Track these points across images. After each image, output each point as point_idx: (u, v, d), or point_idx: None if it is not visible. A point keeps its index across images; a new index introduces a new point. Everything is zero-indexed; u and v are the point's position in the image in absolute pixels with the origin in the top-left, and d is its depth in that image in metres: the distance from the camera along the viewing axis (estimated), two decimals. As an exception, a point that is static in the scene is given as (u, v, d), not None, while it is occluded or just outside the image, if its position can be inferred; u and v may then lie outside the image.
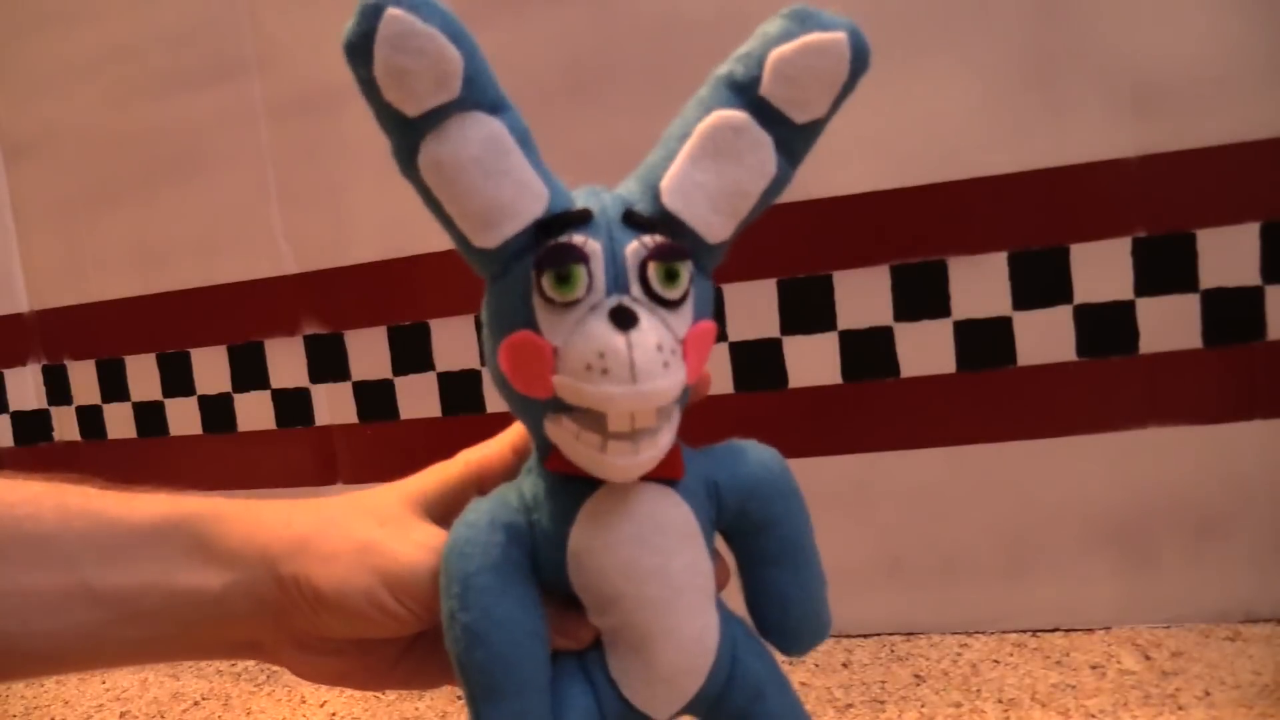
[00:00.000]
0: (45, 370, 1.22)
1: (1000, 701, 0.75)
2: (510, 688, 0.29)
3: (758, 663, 0.33)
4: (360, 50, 0.26)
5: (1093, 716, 0.72)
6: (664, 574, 0.31)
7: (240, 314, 1.09)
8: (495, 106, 0.28)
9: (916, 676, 0.81)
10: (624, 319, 0.27)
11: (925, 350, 0.86)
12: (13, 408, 1.23)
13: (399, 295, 1.02)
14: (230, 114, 1.06)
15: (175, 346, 1.14)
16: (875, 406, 0.88)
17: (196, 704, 0.94)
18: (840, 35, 0.28)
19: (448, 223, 0.28)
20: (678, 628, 0.31)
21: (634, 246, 0.28)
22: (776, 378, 0.90)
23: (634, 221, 0.29)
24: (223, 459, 1.13)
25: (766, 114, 0.29)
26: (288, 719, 0.88)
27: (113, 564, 0.32)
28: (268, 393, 1.10)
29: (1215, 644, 0.79)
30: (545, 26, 0.90)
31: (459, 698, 0.31)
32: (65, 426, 1.22)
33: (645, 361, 0.27)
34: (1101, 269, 0.81)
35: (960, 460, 0.86)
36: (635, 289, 0.28)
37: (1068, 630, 0.85)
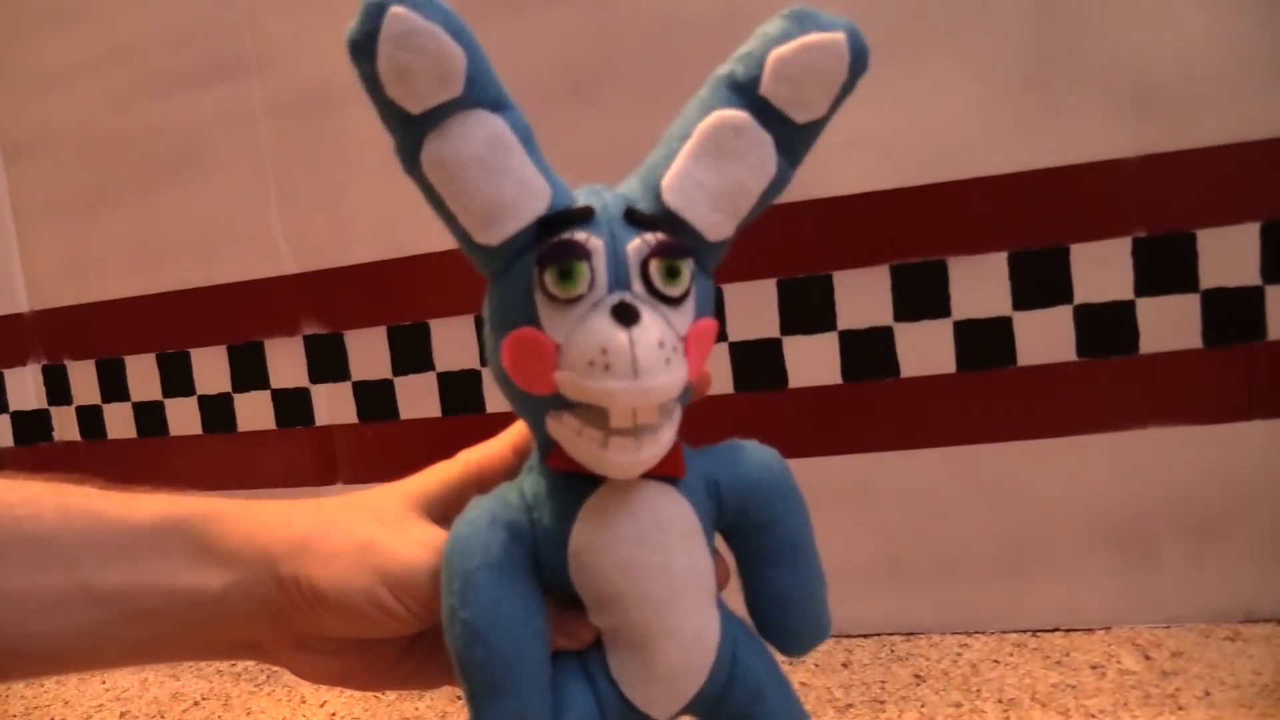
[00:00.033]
0: (45, 370, 1.22)
1: (1000, 701, 0.75)
2: (510, 686, 0.29)
3: (758, 663, 0.33)
4: (364, 48, 0.26)
5: (1093, 716, 0.72)
6: (665, 572, 0.31)
7: (240, 314, 1.09)
8: (497, 105, 0.28)
9: (916, 676, 0.81)
10: (626, 315, 0.27)
11: (925, 350, 0.86)
12: (13, 408, 1.23)
13: (399, 295, 1.02)
14: (230, 114, 1.06)
15: (175, 346, 1.14)
16: (875, 406, 0.88)
17: (196, 704, 0.94)
18: (839, 36, 0.28)
19: (450, 220, 0.29)
20: (678, 626, 0.31)
21: (636, 244, 0.28)
22: (776, 378, 0.90)
23: (636, 219, 0.29)
24: (223, 459, 1.13)
25: (767, 114, 0.29)
26: (288, 719, 0.88)
27: (113, 564, 0.32)
28: (268, 393, 1.10)
29: (1215, 644, 0.79)
30: (545, 26, 0.90)
31: (459, 698, 0.31)
32: (65, 426, 1.22)
33: (647, 357, 0.27)
34: (1101, 269, 0.81)
35: (960, 460, 0.86)
36: (637, 286, 0.28)
37: (1068, 630, 0.85)
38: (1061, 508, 0.85)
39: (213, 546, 0.33)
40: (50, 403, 1.22)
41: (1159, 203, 0.80)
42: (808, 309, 0.88)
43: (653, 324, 0.27)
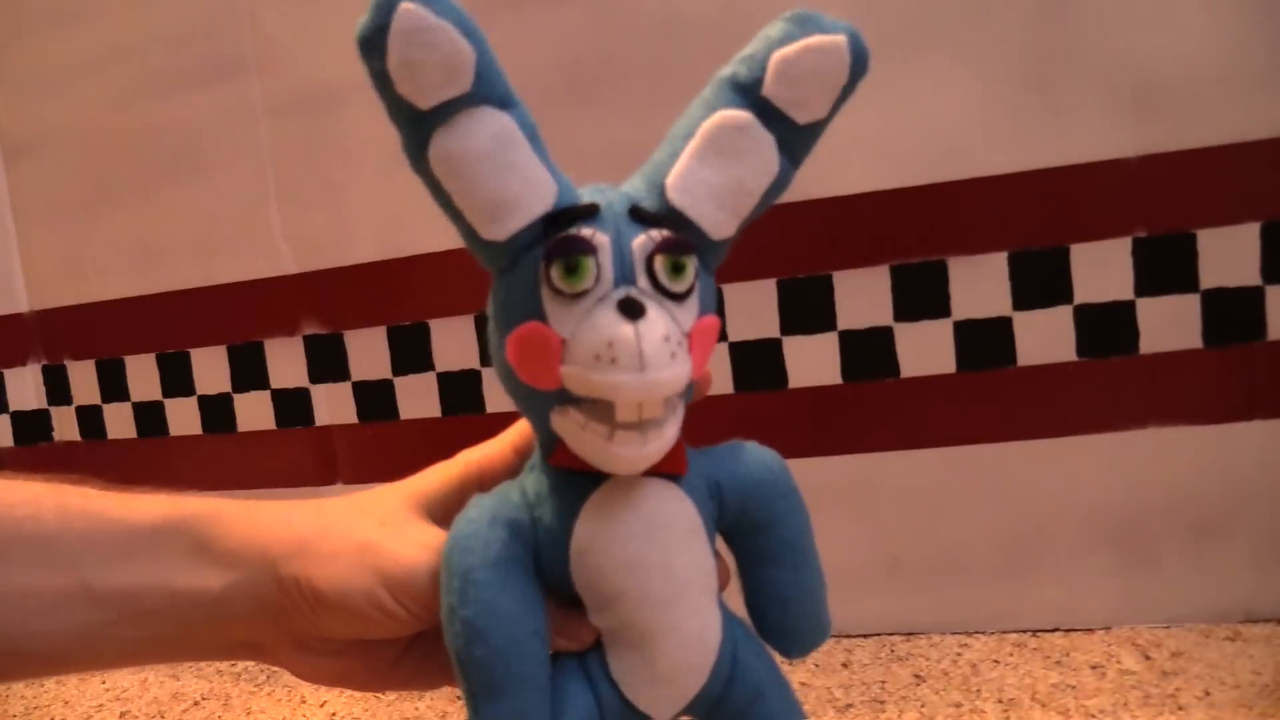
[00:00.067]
0: (45, 370, 1.22)
1: (1000, 701, 0.75)
2: (509, 685, 0.29)
3: (758, 663, 0.33)
4: (374, 43, 0.26)
5: (1093, 716, 0.71)
6: (668, 570, 0.31)
7: (240, 314, 1.09)
8: (504, 102, 0.28)
9: (916, 676, 0.81)
10: (632, 309, 0.27)
11: (925, 350, 0.86)
12: (13, 408, 1.23)
13: (398, 295, 1.02)
14: (229, 114, 1.06)
15: (175, 346, 1.14)
16: (875, 406, 0.88)
17: (196, 704, 0.94)
18: (840, 38, 0.29)
19: (456, 216, 0.29)
20: (680, 624, 0.31)
21: (641, 240, 0.28)
22: (776, 378, 0.90)
23: (640, 217, 0.29)
24: (223, 459, 1.13)
25: (769, 114, 0.29)
26: (288, 719, 0.88)
27: (113, 564, 0.32)
28: (267, 393, 1.10)
29: (1215, 644, 0.79)
30: (545, 26, 0.90)
31: (458, 698, 0.31)
32: (65, 426, 1.22)
33: (653, 351, 0.27)
34: (1101, 269, 0.81)
35: (960, 460, 0.86)
36: (642, 281, 0.28)
37: (1068, 630, 0.85)
38: (1061, 508, 0.85)
39: (213, 547, 0.33)
40: (50, 403, 1.22)
41: (1159, 203, 0.80)
42: (808, 309, 0.88)
43: (658, 318, 0.28)
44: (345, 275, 1.04)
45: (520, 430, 0.36)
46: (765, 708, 0.33)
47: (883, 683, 0.81)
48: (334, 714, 0.88)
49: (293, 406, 1.09)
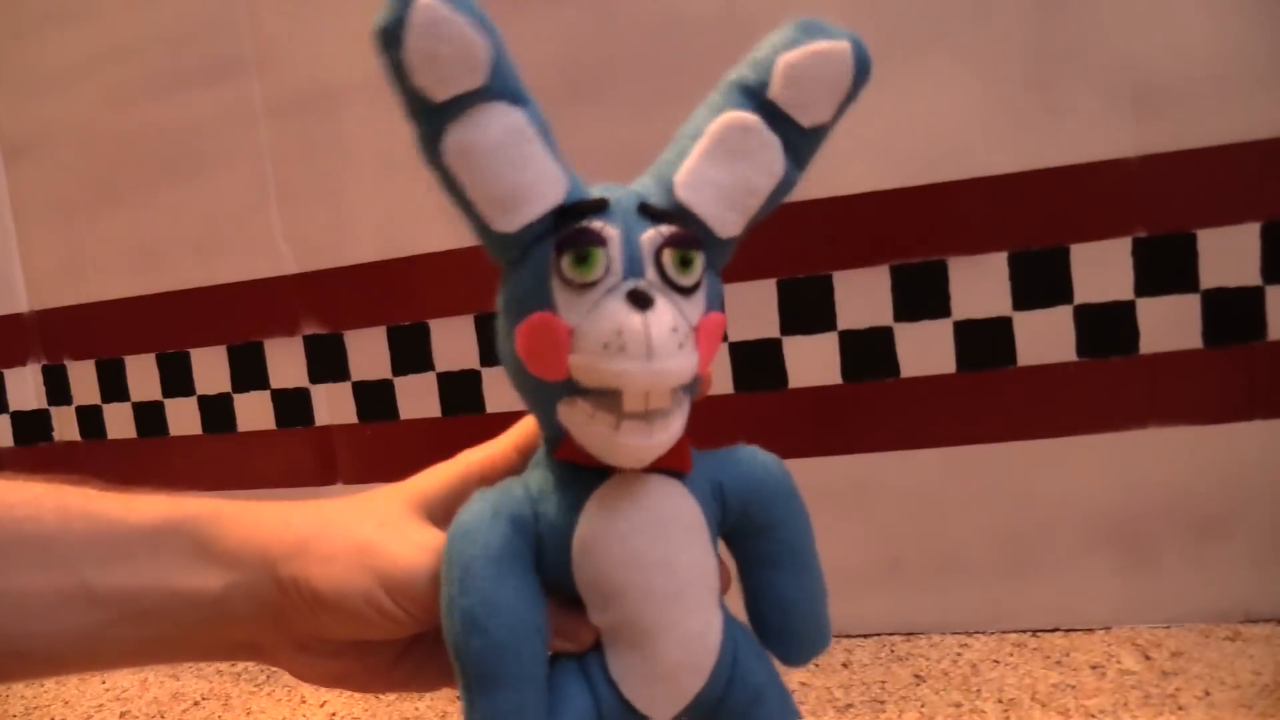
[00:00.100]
0: (45, 370, 1.22)
1: (1000, 701, 0.75)
2: (506, 679, 0.29)
3: (759, 666, 0.33)
4: (392, 35, 0.26)
5: (1093, 716, 0.71)
6: (671, 566, 0.31)
7: (240, 314, 1.09)
8: (518, 98, 0.28)
9: (916, 676, 0.81)
10: (641, 300, 0.28)
11: (925, 350, 0.86)
12: (13, 408, 1.23)
13: (398, 295, 1.02)
14: (229, 114, 1.06)
15: (175, 346, 1.14)
16: (875, 406, 0.88)
17: (196, 704, 0.94)
18: (844, 44, 0.30)
19: (467, 209, 0.29)
20: (682, 622, 0.31)
21: (650, 235, 0.29)
22: (776, 378, 0.90)
23: (649, 213, 0.29)
24: (222, 459, 1.13)
25: (775, 116, 0.30)
26: (288, 719, 0.88)
27: (112, 565, 0.32)
28: (267, 393, 1.10)
29: (1215, 644, 0.79)
30: (545, 26, 0.90)
31: (458, 698, 0.30)
32: (65, 426, 1.22)
33: (661, 340, 0.27)
34: (1101, 269, 0.81)
35: (960, 460, 0.86)
36: (651, 274, 0.29)
37: (1068, 630, 0.85)
38: (1061, 508, 0.85)
39: (212, 548, 0.33)
40: (50, 403, 1.22)
41: (1159, 203, 0.80)
42: (808, 309, 0.88)
43: (666, 310, 0.28)
44: (345, 275, 1.04)
45: (522, 430, 0.36)
46: (764, 711, 0.33)
47: (883, 683, 0.81)
48: (334, 714, 0.88)
49: (293, 406, 1.09)
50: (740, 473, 0.33)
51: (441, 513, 0.34)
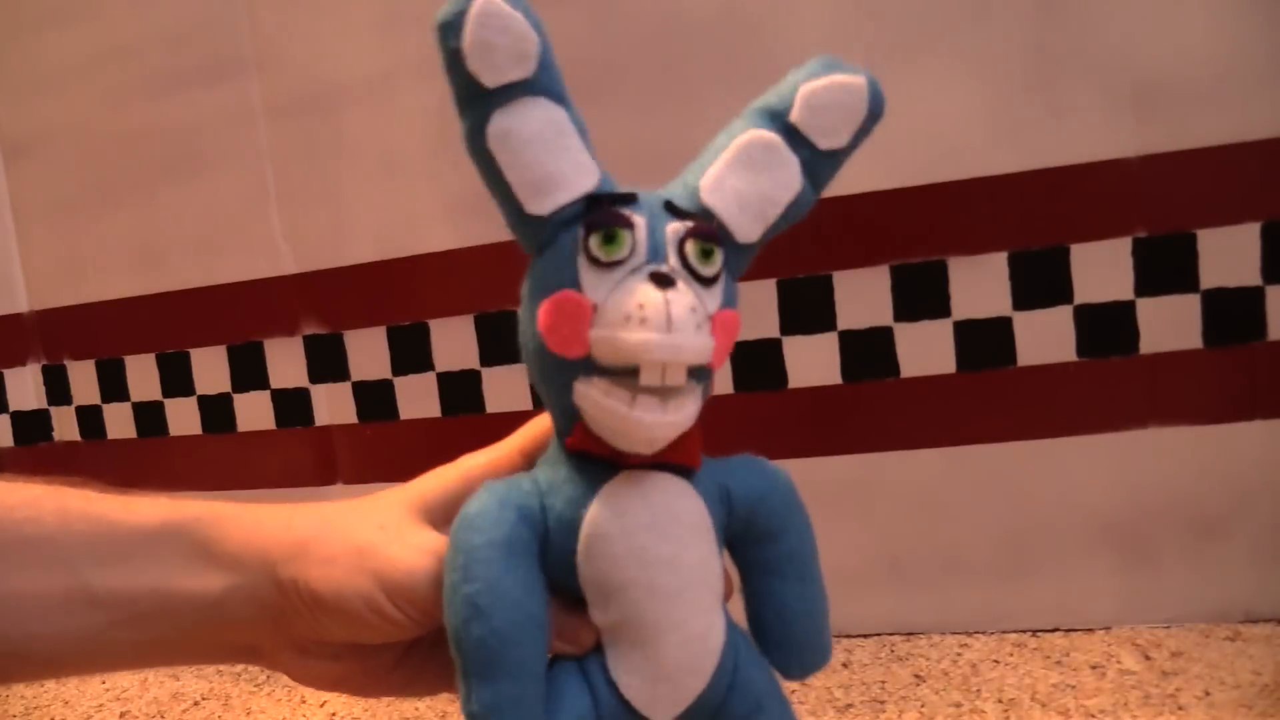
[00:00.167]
0: (45, 370, 1.22)
1: (1000, 701, 0.75)
2: (505, 668, 0.29)
3: (759, 674, 0.34)
4: (453, 26, 0.28)
5: (1093, 716, 0.72)
6: (676, 564, 0.31)
7: (240, 314, 1.09)
8: (560, 97, 0.31)
9: (916, 676, 0.81)
10: (663, 280, 0.29)
11: (925, 350, 0.86)
12: (13, 408, 1.23)
13: (398, 295, 1.02)
14: (229, 114, 1.06)
15: (175, 346, 1.14)
16: (875, 406, 0.88)
17: (196, 704, 0.94)
18: (861, 80, 0.32)
19: (504, 192, 0.30)
20: (685, 621, 0.31)
21: (674, 227, 0.30)
22: (776, 378, 0.90)
23: (674, 210, 0.31)
24: (222, 459, 1.13)
25: (795, 138, 0.32)
26: (288, 719, 0.88)
27: (113, 567, 0.32)
28: (267, 393, 1.10)
29: (1215, 644, 0.79)
30: (546, 26, 0.90)
31: (457, 691, 0.30)
32: (65, 426, 1.22)
33: (681, 316, 0.28)
34: (1101, 269, 0.81)
35: (960, 460, 0.86)
36: (673, 260, 0.30)
37: (1068, 630, 0.85)
38: (1061, 508, 0.85)
39: (212, 550, 0.33)
40: (50, 403, 1.22)
41: (1159, 203, 0.80)
42: (808, 309, 0.88)
43: (687, 291, 0.29)
44: (345, 275, 1.04)
45: (526, 434, 0.36)
46: (764, 719, 0.33)
47: (883, 683, 0.81)
48: (334, 714, 0.88)
49: (292, 406, 1.09)
50: (747, 480, 0.33)
51: (442, 516, 0.34)
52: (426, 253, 0.99)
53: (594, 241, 0.29)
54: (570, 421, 0.31)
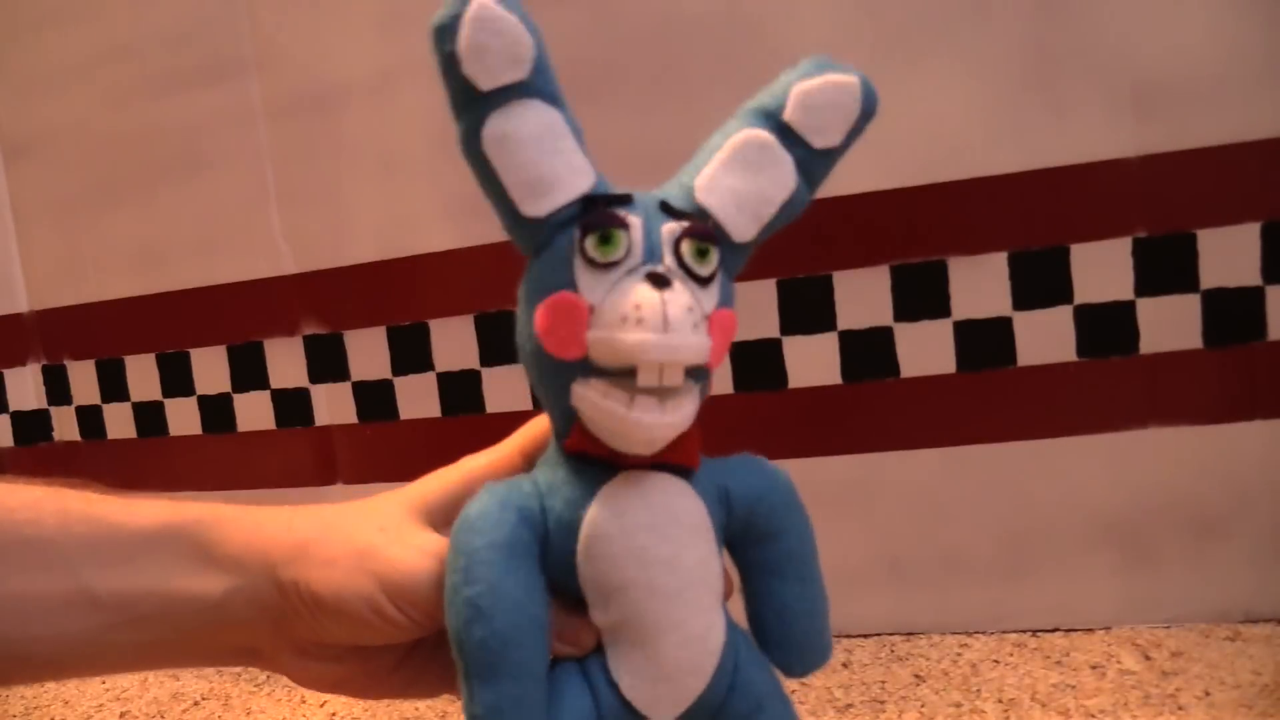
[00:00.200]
0: (45, 370, 1.22)
1: (1000, 701, 0.75)
2: (507, 669, 0.29)
3: (760, 674, 0.34)
4: (448, 29, 0.28)
5: (1093, 716, 0.72)
6: (676, 564, 0.31)
7: (240, 314, 1.09)
8: (555, 99, 0.31)
9: (916, 676, 0.81)
10: (659, 280, 0.29)
11: (925, 350, 0.86)
12: (13, 408, 1.23)
13: (398, 295, 1.02)
14: (229, 114, 1.06)
15: (175, 346, 1.14)
16: (875, 406, 0.88)
17: (196, 704, 0.94)
18: (854, 79, 0.33)
19: (500, 195, 0.30)
20: (685, 621, 0.31)
21: (670, 227, 0.31)
22: (776, 378, 0.90)
23: (669, 210, 0.31)
24: (222, 459, 1.13)
25: (789, 137, 0.32)
26: (288, 719, 0.88)
27: (113, 569, 0.32)
28: (267, 393, 1.10)
29: (1215, 644, 0.79)
30: (545, 26, 0.90)
31: (459, 692, 0.30)
32: (65, 426, 1.22)
33: (678, 316, 0.29)
34: (1101, 269, 0.81)
35: (960, 460, 0.86)
36: (669, 260, 0.30)
37: (1068, 630, 0.85)
38: (1061, 508, 0.85)
39: (213, 552, 0.33)
40: (50, 403, 1.22)
41: (1159, 203, 0.80)
42: (808, 309, 0.88)
43: (683, 291, 0.29)
44: (345, 275, 1.04)
45: (526, 435, 0.36)
46: (765, 719, 0.33)
47: (883, 683, 0.81)
48: (334, 714, 0.88)
49: (292, 406, 1.09)
50: (746, 479, 0.33)
51: (442, 518, 0.34)
52: (426, 253, 0.99)
53: (590, 243, 0.29)
54: (568, 423, 0.31)
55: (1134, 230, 0.80)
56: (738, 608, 0.34)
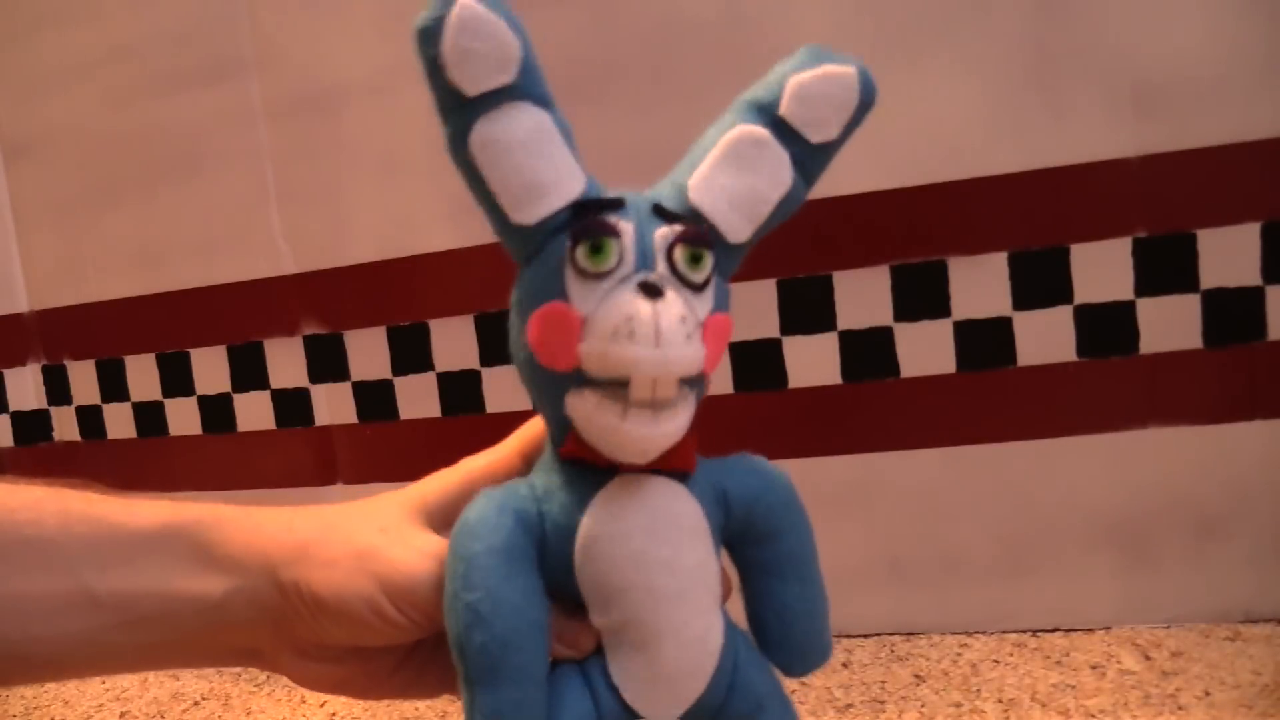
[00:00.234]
0: (45, 370, 1.22)
1: (1000, 701, 0.75)
2: (508, 674, 0.29)
3: (760, 675, 0.34)
4: (432, 33, 0.28)
5: (1093, 716, 0.72)
6: (674, 567, 0.31)
7: (239, 314, 1.09)
8: (543, 101, 0.30)
9: (916, 676, 0.81)
10: (651, 290, 0.29)
11: (925, 350, 0.86)
12: (13, 408, 1.23)
13: (398, 295, 1.02)
14: (229, 114, 1.06)
15: (175, 346, 1.14)
16: (875, 406, 0.88)
17: (196, 704, 0.94)
18: (851, 69, 0.32)
19: (490, 203, 0.30)
20: (684, 624, 0.31)
21: (663, 231, 0.30)
22: (776, 378, 0.90)
23: (663, 213, 0.30)
24: (222, 459, 1.13)
25: (785, 132, 0.32)
26: (288, 719, 0.88)
27: (114, 569, 0.32)
28: (267, 393, 1.10)
29: (1215, 644, 0.79)
30: (545, 26, 0.90)
31: (459, 695, 0.30)
32: (65, 426, 1.22)
33: (670, 329, 0.28)
34: (1101, 269, 0.81)
35: (960, 460, 0.86)
36: (662, 268, 0.30)
37: (1068, 630, 0.85)
38: (1061, 508, 0.85)
39: (214, 552, 0.33)
40: (50, 403, 1.22)
41: (1159, 203, 0.80)
42: (808, 309, 0.88)
43: (676, 301, 0.29)
44: (345, 275, 1.04)
45: (525, 436, 0.36)
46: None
47: (883, 683, 0.81)
48: (334, 714, 0.88)
49: (292, 406, 1.09)
50: (745, 480, 0.33)
51: (442, 519, 0.34)
52: (426, 253, 0.99)
53: (580, 252, 0.29)
54: (563, 430, 0.31)
55: (1134, 230, 0.80)
56: (738, 608, 0.34)
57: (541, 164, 0.29)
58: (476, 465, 0.36)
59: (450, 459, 0.37)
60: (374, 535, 0.33)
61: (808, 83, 0.31)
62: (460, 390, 1.01)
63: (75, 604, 0.32)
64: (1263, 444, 0.80)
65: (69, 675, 0.35)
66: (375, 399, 1.05)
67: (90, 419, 1.20)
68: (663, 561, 0.31)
